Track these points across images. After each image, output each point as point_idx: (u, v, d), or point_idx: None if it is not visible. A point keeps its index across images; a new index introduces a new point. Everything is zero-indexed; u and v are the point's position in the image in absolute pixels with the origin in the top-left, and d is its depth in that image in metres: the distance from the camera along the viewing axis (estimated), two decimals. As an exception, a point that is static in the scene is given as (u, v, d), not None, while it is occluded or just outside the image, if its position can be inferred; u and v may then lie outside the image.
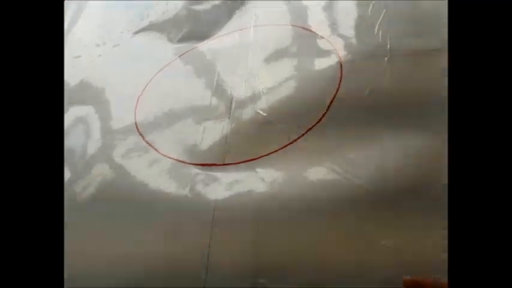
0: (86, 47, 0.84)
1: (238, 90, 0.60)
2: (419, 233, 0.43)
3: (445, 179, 0.40)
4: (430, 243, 0.41)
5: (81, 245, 0.49)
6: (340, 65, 0.59)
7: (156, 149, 0.57)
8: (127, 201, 0.53)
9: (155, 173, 0.54)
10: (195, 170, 0.53)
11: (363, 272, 0.41)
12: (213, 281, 0.43)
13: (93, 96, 0.71)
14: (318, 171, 0.49)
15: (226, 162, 0.53)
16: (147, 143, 0.58)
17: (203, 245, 0.45)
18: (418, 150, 0.50)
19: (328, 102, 0.54)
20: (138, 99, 0.67)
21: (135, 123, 0.63)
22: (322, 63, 0.61)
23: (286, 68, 0.62)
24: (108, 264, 0.48)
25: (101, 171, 0.57)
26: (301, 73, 0.61)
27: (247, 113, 0.57)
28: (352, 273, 0.41)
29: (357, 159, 0.50)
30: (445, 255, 0.33)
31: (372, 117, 0.53)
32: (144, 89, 0.69)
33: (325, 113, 0.54)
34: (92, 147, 0.61)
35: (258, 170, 0.51)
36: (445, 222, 0.38)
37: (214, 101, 0.61)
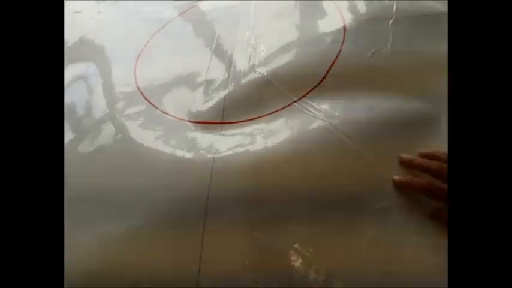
0: (85, 2, 0.82)
1: (239, 50, 0.59)
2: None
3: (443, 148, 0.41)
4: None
5: (81, 204, 0.49)
6: (344, 27, 0.58)
7: (156, 107, 0.57)
8: (127, 160, 0.53)
9: (154, 131, 0.55)
10: (194, 128, 0.54)
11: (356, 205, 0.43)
12: (211, 230, 0.44)
13: (93, 53, 0.71)
14: (317, 132, 0.50)
15: (225, 121, 0.53)
16: (147, 100, 0.58)
17: (201, 201, 0.46)
18: (416, 117, 0.50)
19: (329, 64, 0.54)
20: (138, 58, 0.66)
21: (136, 82, 0.62)
22: (325, 26, 0.60)
23: (288, 29, 0.61)
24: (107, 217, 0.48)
25: (102, 130, 0.58)
26: (303, 35, 0.60)
27: (246, 74, 0.56)
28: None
29: (356, 122, 0.50)
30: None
31: (372, 81, 0.52)
32: (143, 47, 0.68)
33: (326, 75, 0.53)
34: (94, 106, 0.61)
35: (256, 129, 0.51)
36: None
37: (214, 60, 0.60)
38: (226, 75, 0.57)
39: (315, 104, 0.52)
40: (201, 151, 0.51)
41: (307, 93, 0.52)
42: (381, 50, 0.53)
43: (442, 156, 0.42)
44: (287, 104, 0.52)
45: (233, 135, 0.51)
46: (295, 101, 0.52)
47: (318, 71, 0.53)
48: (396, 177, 0.43)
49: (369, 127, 0.49)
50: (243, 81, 0.56)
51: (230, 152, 0.49)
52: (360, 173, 0.46)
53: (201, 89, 0.57)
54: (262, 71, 0.56)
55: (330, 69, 0.53)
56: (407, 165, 0.44)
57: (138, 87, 0.61)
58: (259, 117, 0.52)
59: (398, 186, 0.43)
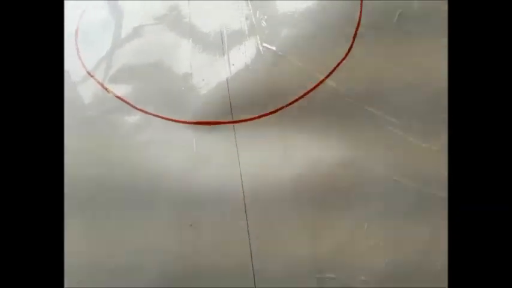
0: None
1: (231, 17, 0.45)
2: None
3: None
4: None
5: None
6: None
7: (133, 106, 0.42)
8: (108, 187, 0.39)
9: (142, 142, 0.40)
10: (195, 132, 0.40)
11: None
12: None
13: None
14: (353, 115, 0.41)
15: (235, 119, 0.41)
16: (119, 98, 0.42)
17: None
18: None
19: (353, 31, 0.43)
20: (77, 30, 0.48)
21: (85, 68, 0.45)
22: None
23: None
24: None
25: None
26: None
27: (248, 48, 0.43)
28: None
29: (391, 96, 0.42)
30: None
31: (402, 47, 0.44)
32: (81, 16, 0.49)
33: (352, 44, 0.43)
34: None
35: (281, 124, 0.40)
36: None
37: (196, 35, 0.45)
38: (221, 54, 0.43)
39: (345, 80, 0.41)
40: (217, 164, 0.38)
41: (335, 68, 0.42)
42: (408, 9, 0.44)
43: None
44: (314, 85, 0.41)
45: (254, 136, 0.39)
46: (324, 79, 0.41)
47: (342, 40, 0.43)
48: None
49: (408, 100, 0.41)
50: (247, 59, 0.43)
51: (257, 163, 0.38)
52: (409, 158, 0.40)
53: (189, 75, 0.43)
54: (269, 44, 0.43)
55: (355, 36, 0.43)
56: None
57: (94, 78, 0.44)
58: (280, 108, 0.41)
59: None
